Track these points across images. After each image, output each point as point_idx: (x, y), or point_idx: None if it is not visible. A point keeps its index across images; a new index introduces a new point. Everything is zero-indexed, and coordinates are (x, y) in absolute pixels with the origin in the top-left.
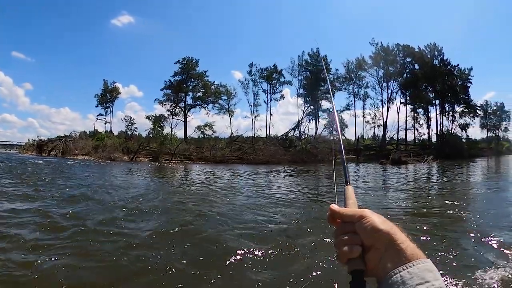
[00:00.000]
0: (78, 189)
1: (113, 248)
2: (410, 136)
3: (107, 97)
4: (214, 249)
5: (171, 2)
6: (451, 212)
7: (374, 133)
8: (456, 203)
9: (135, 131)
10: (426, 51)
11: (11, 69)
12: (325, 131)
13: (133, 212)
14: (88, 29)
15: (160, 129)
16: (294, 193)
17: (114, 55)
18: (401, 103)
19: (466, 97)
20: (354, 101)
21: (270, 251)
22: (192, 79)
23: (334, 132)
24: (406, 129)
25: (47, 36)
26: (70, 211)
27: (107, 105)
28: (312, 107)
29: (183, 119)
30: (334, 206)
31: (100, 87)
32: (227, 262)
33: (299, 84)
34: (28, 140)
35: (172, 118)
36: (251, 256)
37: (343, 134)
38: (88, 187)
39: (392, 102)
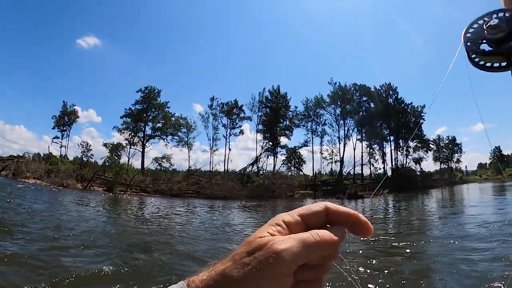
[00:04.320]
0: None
1: None
2: (367, 171)
3: (65, 120)
4: None
5: (140, 29)
6: (406, 239)
7: (331, 168)
8: (406, 231)
9: (91, 158)
10: (381, 91)
11: None
12: (283, 166)
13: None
14: (52, 47)
15: (116, 158)
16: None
17: (76, 76)
18: (357, 139)
19: (419, 133)
20: (312, 137)
21: None
22: (153, 109)
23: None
24: (362, 164)
25: (10, 48)
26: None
27: (64, 128)
28: (270, 143)
29: (141, 149)
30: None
31: (58, 108)
32: None
33: (258, 120)
34: None
35: (130, 147)
36: None
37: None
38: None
39: (349, 139)
